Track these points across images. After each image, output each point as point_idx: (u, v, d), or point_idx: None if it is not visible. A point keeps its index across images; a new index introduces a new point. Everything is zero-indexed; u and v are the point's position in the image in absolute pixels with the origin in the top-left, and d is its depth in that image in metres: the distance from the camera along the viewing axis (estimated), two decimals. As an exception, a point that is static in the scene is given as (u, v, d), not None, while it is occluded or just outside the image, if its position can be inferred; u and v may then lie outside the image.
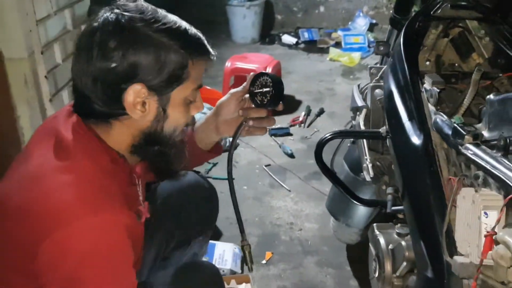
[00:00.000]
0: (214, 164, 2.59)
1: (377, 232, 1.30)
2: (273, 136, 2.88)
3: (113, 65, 0.81)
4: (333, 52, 4.31)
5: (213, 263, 1.72)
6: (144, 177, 1.00)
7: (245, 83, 1.11)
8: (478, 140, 0.89)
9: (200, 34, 0.90)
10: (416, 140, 1.07)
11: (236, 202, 1.12)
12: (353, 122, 1.54)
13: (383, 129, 1.28)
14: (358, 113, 1.49)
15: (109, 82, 0.83)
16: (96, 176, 0.83)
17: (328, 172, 1.39)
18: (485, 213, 0.80)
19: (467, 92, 1.15)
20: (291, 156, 2.70)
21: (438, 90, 1.10)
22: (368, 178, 1.40)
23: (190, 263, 1.27)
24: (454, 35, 1.33)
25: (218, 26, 4.62)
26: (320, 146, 1.34)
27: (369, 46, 4.44)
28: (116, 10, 0.84)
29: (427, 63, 1.32)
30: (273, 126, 2.98)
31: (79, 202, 0.78)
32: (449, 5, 1.29)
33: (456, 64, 1.34)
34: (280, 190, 2.39)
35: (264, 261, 1.91)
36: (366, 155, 1.41)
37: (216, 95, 3.10)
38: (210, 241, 1.73)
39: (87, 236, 0.77)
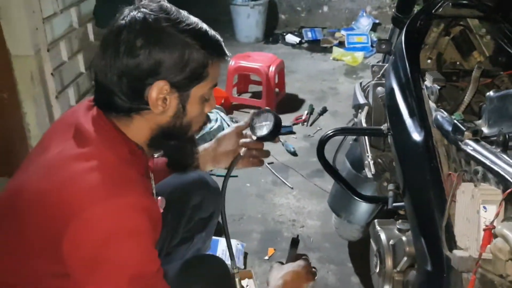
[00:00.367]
0: (218, 162, 2.61)
1: (378, 228, 1.32)
2: (276, 134, 2.90)
3: (139, 62, 0.85)
4: (337, 51, 4.32)
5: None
6: (154, 172, 1.03)
7: (247, 118, 1.20)
8: (477, 136, 0.90)
9: (218, 36, 0.95)
10: (416, 136, 1.09)
11: (228, 232, 1.18)
12: (355, 119, 1.55)
13: (384, 126, 1.30)
14: (360, 110, 1.50)
15: (134, 78, 0.87)
16: (116, 164, 0.86)
17: (330, 168, 1.41)
18: (484, 208, 0.81)
19: (468, 90, 1.16)
20: (294, 154, 2.72)
21: (438, 87, 1.11)
22: (369, 175, 1.42)
23: (197, 256, 1.29)
24: (455, 34, 1.34)
25: (222, 25, 4.63)
26: (322, 143, 1.35)
27: (372, 46, 4.44)
28: (143, 10, 0.88)
29: (429, 61, 1.33)
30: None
31: (102, 185, 0.82)
32: (450, 3, 1.31)
33: (457, 62, 1.35)
34: (283, 188, 2.41)
35: (266, 257, 1.93)
36: (367, 152, 1.42)
37: (219, 93, 3.12)
38: (214, 237, 1.75)
39: (111, 216, 0.80)
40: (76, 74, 2.44)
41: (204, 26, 0.92)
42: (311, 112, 3.20)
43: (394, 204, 1.31)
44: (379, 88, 1.43)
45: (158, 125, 0.93)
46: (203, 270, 1.08)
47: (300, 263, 1.17)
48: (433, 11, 1.31)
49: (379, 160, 1.43)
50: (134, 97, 0.88)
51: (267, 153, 1.24)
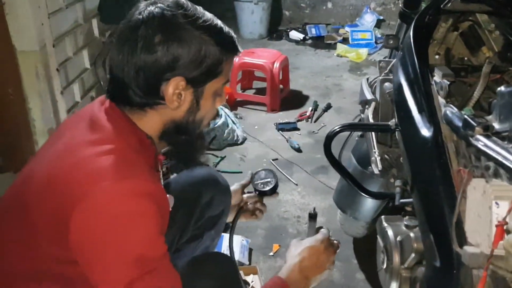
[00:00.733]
0: (222, 158, 2.61)
1: (385, 224, 1.31)
2: (280, 131, 2.90)
3: (157, 58, 0.86)
4: (341, 48, 4.31)
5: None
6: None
7: (247, 177, 1.40)
8: (489, 132, 0.89)
9: (232, 32, 0.95)
10: (426, 132, 1.08)
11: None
12: (362, 115, 1.54)
13: (392, 122, 1.29)
14: (367, 106, 1.49)
15: (151, 73, 0.87)
16: (125, 150, 0.87)
17: (337, 164, 1.40)
18: (496, 203, 0.80)
19: (477, 85, 1.15)
20: (298, 150, 2.71)
21: (448, 83, 1.11)
22: (376, 171, 1.41)
23: (206, 254, 1.29)
24: (464, 29, 1.33)
25: (226, 22, 4.51)
26: (329, 138, 1.34)
27: (376, 42, 4.43)
28: (160, 5, 0.88)
29: (437, 56, 1.32)
30: (281, 121, 3.01)
31: (109, 169, 0.82)
32: (459, -2, 1.30)
33: (465, 58, 1.34)
34: (287, 184, 2.40)
35: (271, 253, 1.93)
36: (374, 148, 1.42)
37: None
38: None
39: (117, 199, 0.80)
40: (81, 69, 2.44)
41: (219, 23, 0.93)
42: (315, 108, 3.19)
43: (401, 200, 1.30)
44: (387, 84, 1.42)
45: (171, 120, 0.94)
46: (211, 267, 1.07)
47: (318, 237, 1.14)
48: (441, 6, 1.30)
49: (386, 156, 1.42)
50: (150, 92, 0.89)
51: (265, 207, 1.44)
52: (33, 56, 1.99)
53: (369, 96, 1.49)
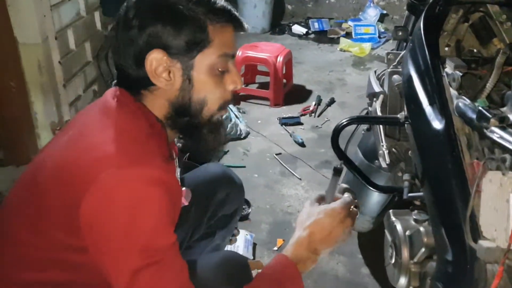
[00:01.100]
0: (225, 152, 2.59)
1: (393, 218, 1.29)
2: (284, 125, 2.88)
3: (134, 33, 0.85)
4: (344, 42, 4.28)
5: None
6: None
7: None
8: (504, 123, 0.87)
9: (224, 3, 0.91)
10: (437, 124, 1.06)
11: None
12: (370, 108, 1.52)
13: (401, 115, 1.27)
14: (374, 99, 1.47)
15: (134, 51, 0.86)
16: (136, 134, 0.85)
17: (345, 158, 1.38)
18: (513, 196, 0.78)
19: (489, 77, 1.13)
20: (302, 145, 2.69)
21: (461, 74, 1.08)
22: (384, 165, 1.39)
23: (219, 253, 1.26)
24: (475, 20, 1.30)
25: None
26: (337, 131, 1.32)
27: (379, 37, 4.40)
28: None
29: (447, 48, 1.30)
30: (284, 115, 2.99)
31: (120, 154, 0.80)
32: (470, -11, 1.27)
33: (475, 50, 1.32)
34: (291, 179, 2.39)
35: (275, 248, 1.91)
36: (382, 142, 1.40)
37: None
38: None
39: (125, 186, 0.79)
40: (84, 62, 2.42)
41: None
42: (318, 103, 3.17)
43: (410, 194, 1.28)
44: (395, 76, 1.40)
45: (168, 101, 0.90)
46: (224, 268, 1.04)
47: (336, 205, 0.97)
48: (452, -3, 1.28)
49: (394, 149, 1.40)
50: (139, 72, 0.87)
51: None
52: (35, 49, 1.97)
53: (377, 88, 1.47)
